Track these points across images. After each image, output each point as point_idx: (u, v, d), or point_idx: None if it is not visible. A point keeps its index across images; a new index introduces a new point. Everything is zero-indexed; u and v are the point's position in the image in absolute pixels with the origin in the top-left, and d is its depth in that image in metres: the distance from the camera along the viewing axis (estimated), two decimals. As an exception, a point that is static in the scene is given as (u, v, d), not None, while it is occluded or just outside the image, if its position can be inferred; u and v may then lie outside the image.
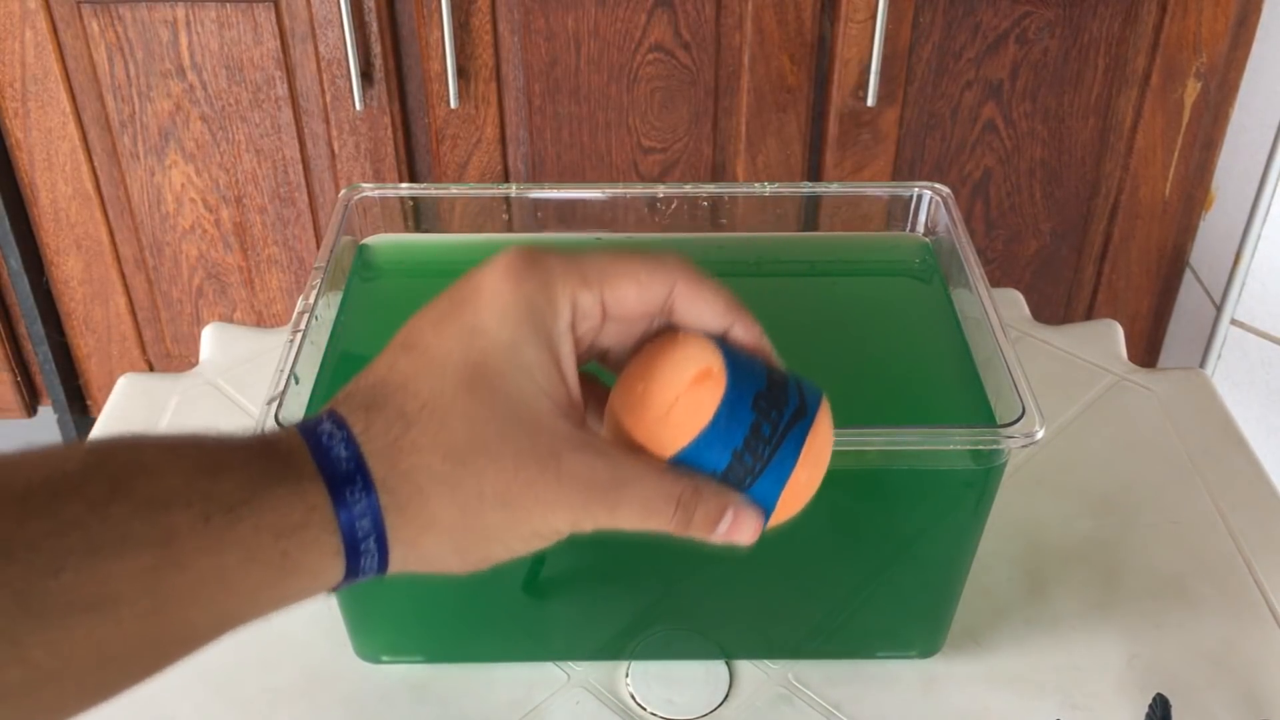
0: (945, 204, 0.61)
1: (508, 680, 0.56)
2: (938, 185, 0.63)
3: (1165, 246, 1.21)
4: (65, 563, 0.28)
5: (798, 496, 0.37)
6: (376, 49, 1.07)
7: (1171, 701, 0.53)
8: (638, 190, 0.63)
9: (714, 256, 0.63)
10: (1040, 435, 0.47)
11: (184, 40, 1.07)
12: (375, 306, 0.60)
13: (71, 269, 1.20)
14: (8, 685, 0.28)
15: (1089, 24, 1.08)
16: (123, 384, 0.73)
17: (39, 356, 1.25)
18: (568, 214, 0.63)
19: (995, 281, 1.20)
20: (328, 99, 1.10)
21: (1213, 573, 0.61)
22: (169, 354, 1.27)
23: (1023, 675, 0.57)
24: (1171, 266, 1.22)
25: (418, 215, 0.63)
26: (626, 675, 0.57)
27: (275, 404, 0.48)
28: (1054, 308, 1.25)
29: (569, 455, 0.34)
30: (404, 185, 0.63)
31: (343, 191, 0.62)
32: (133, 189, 1.15)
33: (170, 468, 0.31)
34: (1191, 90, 1.11)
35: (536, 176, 1.16)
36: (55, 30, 1.06)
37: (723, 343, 0.37)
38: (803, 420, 0.36)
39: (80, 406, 1.30)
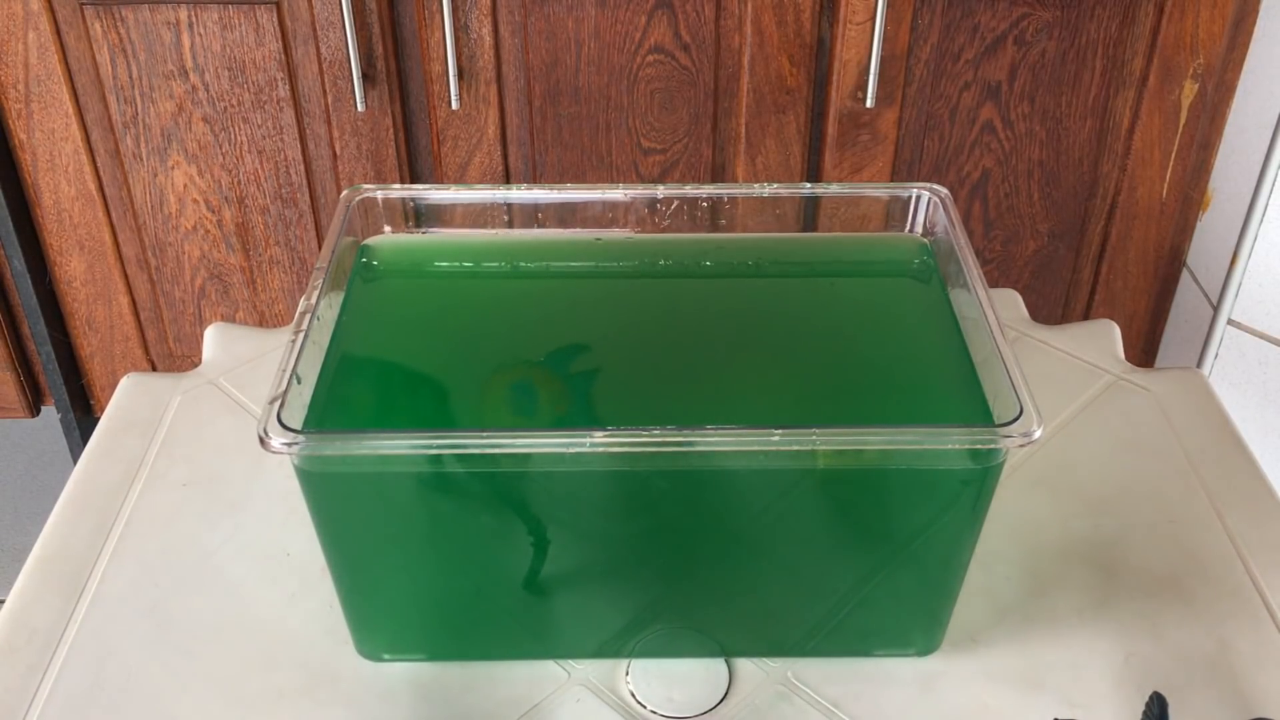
0: (943, 204, 0.62)
1: (509, 678, 0.56)
2: (936, 186, 0.63)
3: (1162, 247, 1.21)
4: None
5: None
6: (378, 50, 1.08)
7: (1168, 700, 0.53)
8: (638, 191, 0.63)
9: (714, 257, 0.63)
10: (1038, 435, 0.47)
11: (186, 42, 1.07)
12: (377, 307, 0.60)
13: (74, 269, 1.21)
14: None
15: (1086, 26, 1.08)
16: (125, 384, 0.74)
17: (42, 356, 1.25)
18: (568, 215, 0.64)
19: (993, 282, 1.20)
20: (329, 100, 1.10)
21: (1209, 572, 0.62)
22: (171, 354, 1.27)
23: (1020, 673, 0.57)
24: (1169, 267, 1.23)
25: (419, 216, 0.64)
26: (627, 673, 0.57)
27: (277, 403, 0.48)
28: (1052, 308, 1.26)
29: None
30: (405, 186, 0.63)
31: (344, 192, 0.62)
32: (135, 190, 1.15)
33: None
34: (1189, 91, 1.11)
35: (537, 177, 1.16)
36: (58, 32, 1.07)
37: None
38: None
39: (83, 406, 1.31)
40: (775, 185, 0.63)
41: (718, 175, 1.16)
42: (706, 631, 0.57)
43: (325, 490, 0.51)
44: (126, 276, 1.21)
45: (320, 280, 0.56)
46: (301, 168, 1.14)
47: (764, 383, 0.56)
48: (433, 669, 0.57)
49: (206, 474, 0.68)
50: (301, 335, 0.52)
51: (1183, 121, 1.13)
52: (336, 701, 0.56)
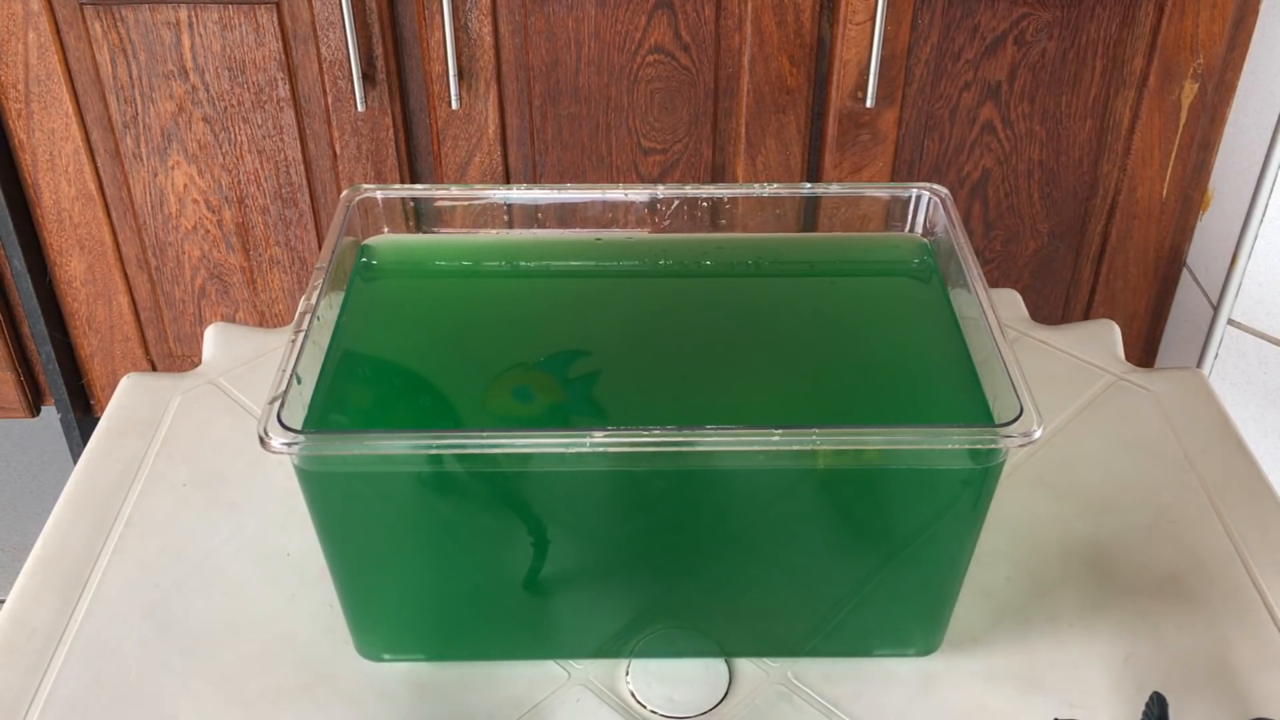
0: (943, 204, 0.62)
1: (509, 678, 0.56)
2: (936, 186, 0.63)
3: (1162, 247, 1.21)
4: None
5: None
6: (378, 50, 1.08)
7: (1168, 700, 0.53)
8: (638, 191, 0.63)
9: (714, 257, 0.63)
10: (1038, 435, 0.47)
11: (186, 42, 1.07)
12: (377, 306, 0.60)
13: (74, 269, 1.21)
14: None
15: (1087, 26, 1.08)
16: (125, 384, 0.74)
17: (42, 356, 1.25)
18: (568, 215, 0.64)
19: (993, 282, 1.20)
20: (329, 100, 1.10)
21: (1209, 572, 0.62)
22: (171, 354, 1.27)
23: (1020, 673, 0.57)
24: (1169, 267, 1.23)
25: (419, 216, 0.64)
26: (627, 673, 0.57)
27: (277, 404, 0.48)
28: (1052, 308, 1.26)
29: None
30: (405, 186, 0.63)
31: (345, 192, 0.62)
32: (135, 190, 1.15)
33: None
34: (1189, 91, 1.11)
35: (537, 177, 1.16)
36: (58, 32, 1.07)
37: None
38: None
39: (83, 406, 1.31)
40: (775, 185, 0.63)
41: (718, 175, 1.16)
42: (706, 631, 0.57)
43: (325, 490, 0.51)
44: (126, 276, 1.21)
45: (320, 280, 0.56)
46: (301, 168, 1.14)
47: (764, 382, 0.56)
48: (432, 669, 0.57)
49: (206, 474, 0.68)
50: (301, 335, 0.52)
51: (1183, 121, 1.13)
52: (336, 701, 0.56)
